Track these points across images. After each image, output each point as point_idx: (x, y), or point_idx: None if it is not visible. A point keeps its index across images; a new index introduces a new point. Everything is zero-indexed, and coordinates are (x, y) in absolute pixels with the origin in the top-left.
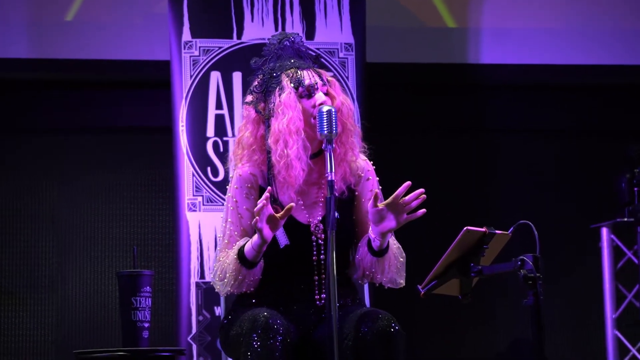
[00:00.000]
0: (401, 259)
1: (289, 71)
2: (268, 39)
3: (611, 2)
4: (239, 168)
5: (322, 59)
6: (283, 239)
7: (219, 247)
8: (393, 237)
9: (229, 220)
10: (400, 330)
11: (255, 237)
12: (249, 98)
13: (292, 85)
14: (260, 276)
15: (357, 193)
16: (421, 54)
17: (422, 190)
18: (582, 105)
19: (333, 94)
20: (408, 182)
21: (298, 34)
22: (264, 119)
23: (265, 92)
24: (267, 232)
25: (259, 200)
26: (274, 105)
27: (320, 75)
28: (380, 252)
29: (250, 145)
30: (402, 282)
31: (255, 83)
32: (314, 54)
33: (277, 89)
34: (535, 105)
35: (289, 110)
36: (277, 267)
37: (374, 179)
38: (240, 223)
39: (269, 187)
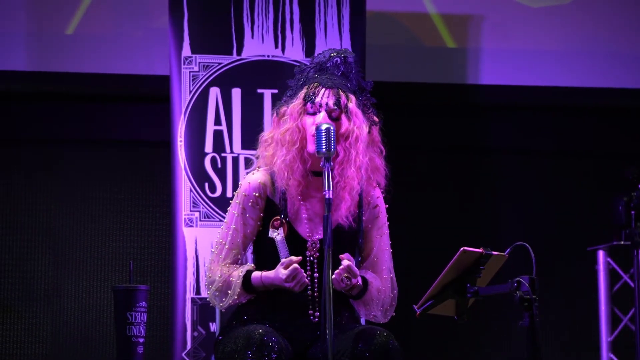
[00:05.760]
0: (385, 297)
1: (312, 85)
2: (325, 52)
3: (610, 25)
4: (249, 176)
5: None
6: (285, 252)
7: (216, 250)
8: (392, 277)
9: (233, 226)
10: (398, 347)
11: (272, 277)
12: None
13: (304, 98)
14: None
15: (364, 218)
16: (420, 73)
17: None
18: (580, 127)
19: (343, 120)
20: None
21: (354, 55)
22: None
23: (291, 98)
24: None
25: (292, 265)
26: (284, 112)
27: (338, 99)
28: (354, 297)
29: (267, 143)
30: (386, 319)
31: (290, 86)
32: (363, 81)
33: (294, 98)
34: (533, 127)
35: (290, 121)
36: None
37: (381, 206)
38: (243, 230)
39: (283, 255)
